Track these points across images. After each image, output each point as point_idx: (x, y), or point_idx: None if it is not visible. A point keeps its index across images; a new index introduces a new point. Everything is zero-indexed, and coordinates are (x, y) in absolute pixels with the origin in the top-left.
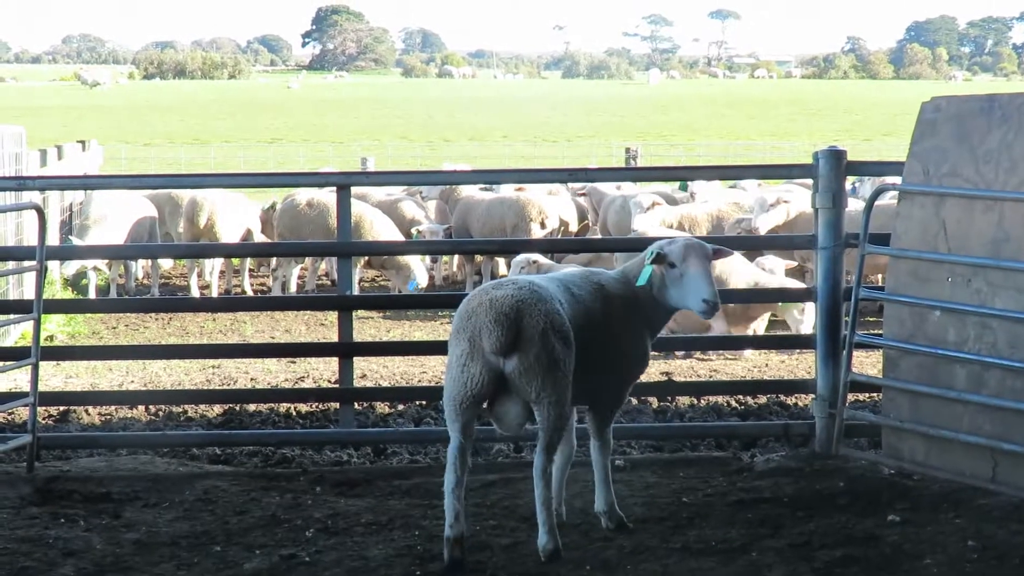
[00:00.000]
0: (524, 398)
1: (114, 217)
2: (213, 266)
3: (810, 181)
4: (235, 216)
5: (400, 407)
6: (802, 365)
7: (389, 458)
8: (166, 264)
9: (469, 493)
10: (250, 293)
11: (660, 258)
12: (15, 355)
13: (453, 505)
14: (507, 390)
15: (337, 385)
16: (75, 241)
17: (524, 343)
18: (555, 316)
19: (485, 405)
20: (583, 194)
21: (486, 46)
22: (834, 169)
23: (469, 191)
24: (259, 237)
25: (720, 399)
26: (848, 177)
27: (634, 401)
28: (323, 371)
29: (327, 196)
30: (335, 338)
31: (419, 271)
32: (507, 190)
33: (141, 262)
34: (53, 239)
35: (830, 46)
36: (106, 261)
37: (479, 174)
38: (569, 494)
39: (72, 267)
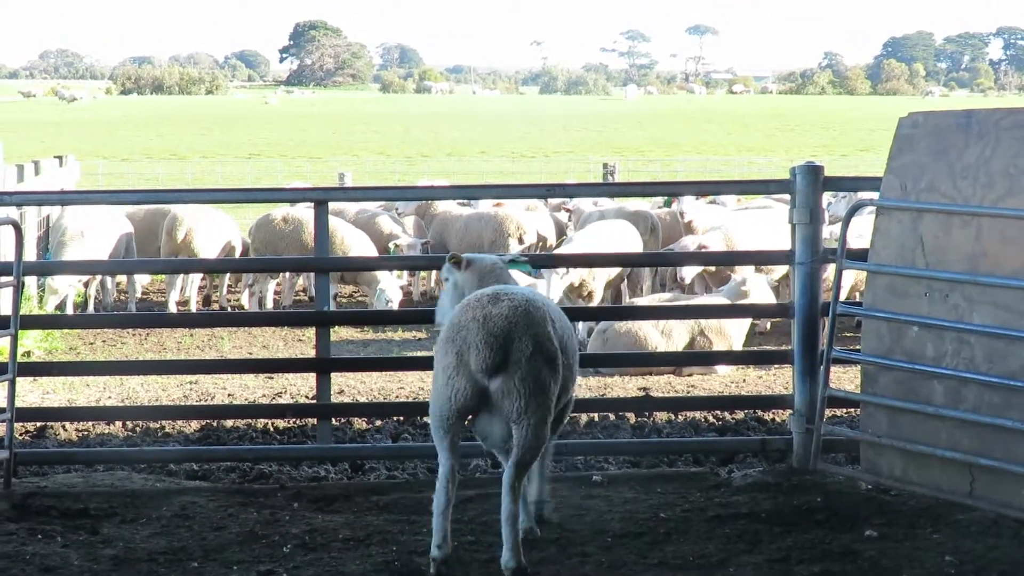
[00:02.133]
0: (505, 418)
1: (90, 233)
2: (192, 281)
3: (787, 196)
4: (213, 231)
5: (378, 423)
6: (779, 380)
7: (367, 474)
8: (144, 279)
9: None
10: (227, 309)
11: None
12: None
13: (443, 527)
14: (490, 406)
15: (315, 401)
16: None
17: (510, 365)
18: (545, 340)
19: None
20: (568, 210)
21: (464, 61)
22: (811, 184)
23: (446, 206)
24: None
25: (698, 415)
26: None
27: (612, 416)
28: (301, 387)
29: (302, 211)
30: (312, 354)
31: (391, 288)
32: (485, 205)
33: (118, 277)
34: (30, 255)
35: (807, 62)
36: (84, 278)
37: (457, 189)
38: (546, 509)
39: (53, 302)
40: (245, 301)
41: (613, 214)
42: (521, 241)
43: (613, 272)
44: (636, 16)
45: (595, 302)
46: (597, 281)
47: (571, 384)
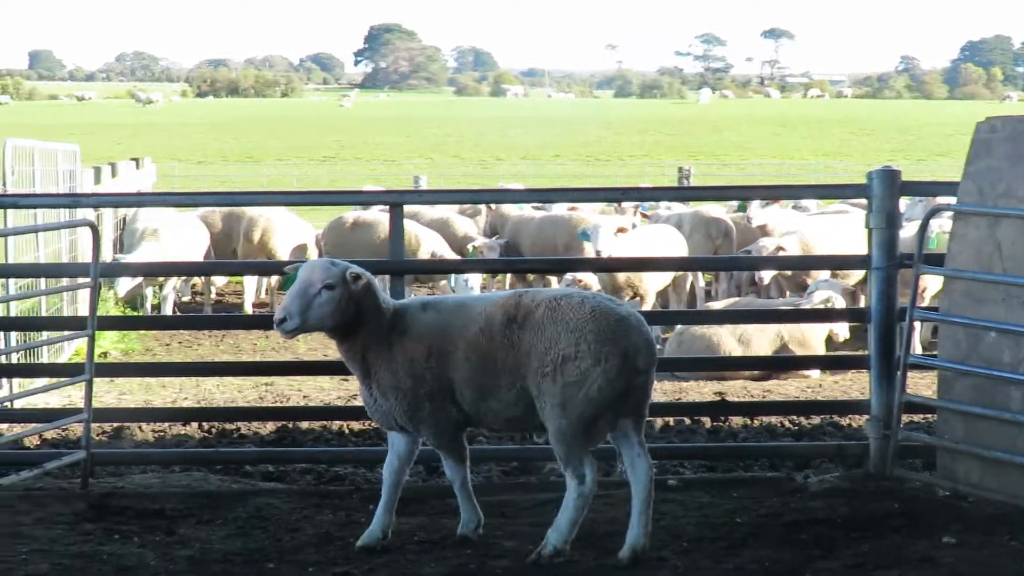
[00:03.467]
0: (635, 412)
1: (164, 234)
2: (270, 284)
3: (864, 201)
4: (289, 233)
5: None
6: (856, 385)
7: (442, 477)
8: (220, 281)
9: (522, 512)
10: None
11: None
12: (69, 371)
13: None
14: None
15: None
16: (125, 258)
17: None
18: None
19: None
20: (645, 215)
21: (539, 65)
22: (888, 189)
23: (520, 209)
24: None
25: (774, 419)
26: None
27: (687, 420)
28: None
29: (374, 214)
30: None
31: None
32: (559, 209)
33: (194, 279)
34: (107, 256)
35: (884, 65)
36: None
37: (531, 193)
38: (621, 513)
39: (124, 287)
40: None
41: (688, 218)
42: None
43: (667, 277)
44: (711, 19)
45: (647, 306)
46: (648, 286)
47: None
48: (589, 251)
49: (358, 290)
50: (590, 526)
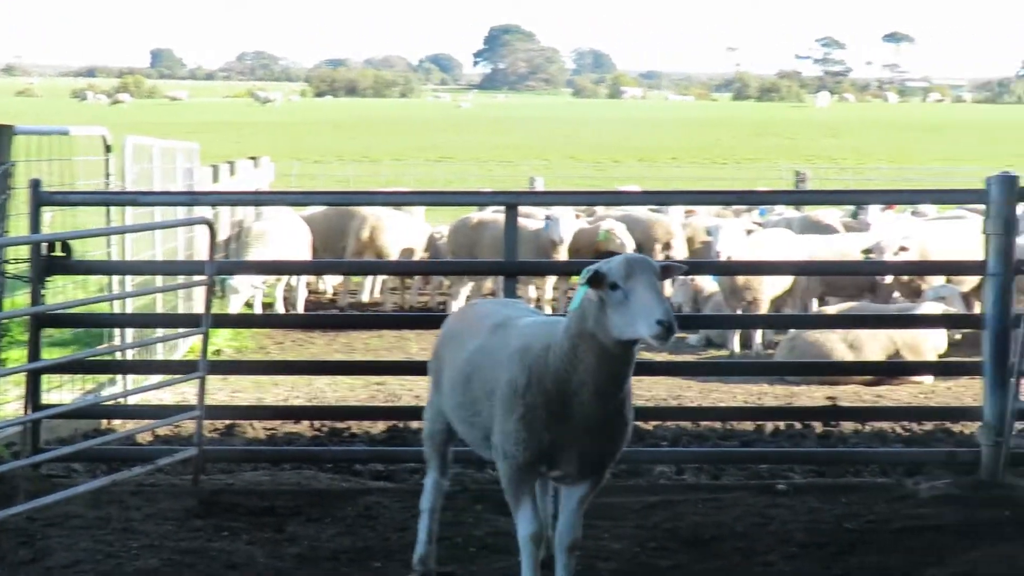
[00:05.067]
0: None
1: (273, 235)
2: (385, 282)
3: (982, 207)
4: (398, 232)
5: None
6: (969, 392)
7: None
8: (334, 280)
9: (629, 514)
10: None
11: (598, 278)
12: (183, 369)
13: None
14: None
15: None
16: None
17: None
18: None
19: None
20: (758, 223)
21: (657, 67)
22: (1006, 195)
23: (635, 210)
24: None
25: (885, 425)
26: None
27: (798, 425)
28: None
29: (496, 215)
30: None
31: (563, 215)
32: (677, 211)
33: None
34: (220, 255)
35: (1005, 70)
36: (268, 280)
37: (648, 195)
38: (730, 517)
39: (235, 302)
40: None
41: (797, 223)
42: (668, 247)
43: (785, 283)
44: (832, 23)
45: (761, 311)
46: (765, 290)
47: None
48: (658, 253)
49: None
50: (696, 530)
